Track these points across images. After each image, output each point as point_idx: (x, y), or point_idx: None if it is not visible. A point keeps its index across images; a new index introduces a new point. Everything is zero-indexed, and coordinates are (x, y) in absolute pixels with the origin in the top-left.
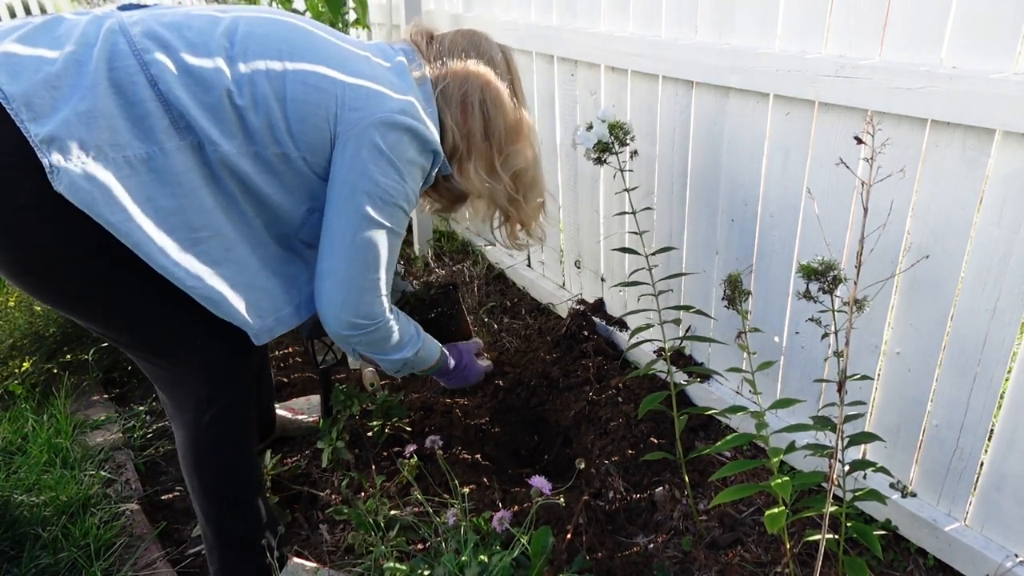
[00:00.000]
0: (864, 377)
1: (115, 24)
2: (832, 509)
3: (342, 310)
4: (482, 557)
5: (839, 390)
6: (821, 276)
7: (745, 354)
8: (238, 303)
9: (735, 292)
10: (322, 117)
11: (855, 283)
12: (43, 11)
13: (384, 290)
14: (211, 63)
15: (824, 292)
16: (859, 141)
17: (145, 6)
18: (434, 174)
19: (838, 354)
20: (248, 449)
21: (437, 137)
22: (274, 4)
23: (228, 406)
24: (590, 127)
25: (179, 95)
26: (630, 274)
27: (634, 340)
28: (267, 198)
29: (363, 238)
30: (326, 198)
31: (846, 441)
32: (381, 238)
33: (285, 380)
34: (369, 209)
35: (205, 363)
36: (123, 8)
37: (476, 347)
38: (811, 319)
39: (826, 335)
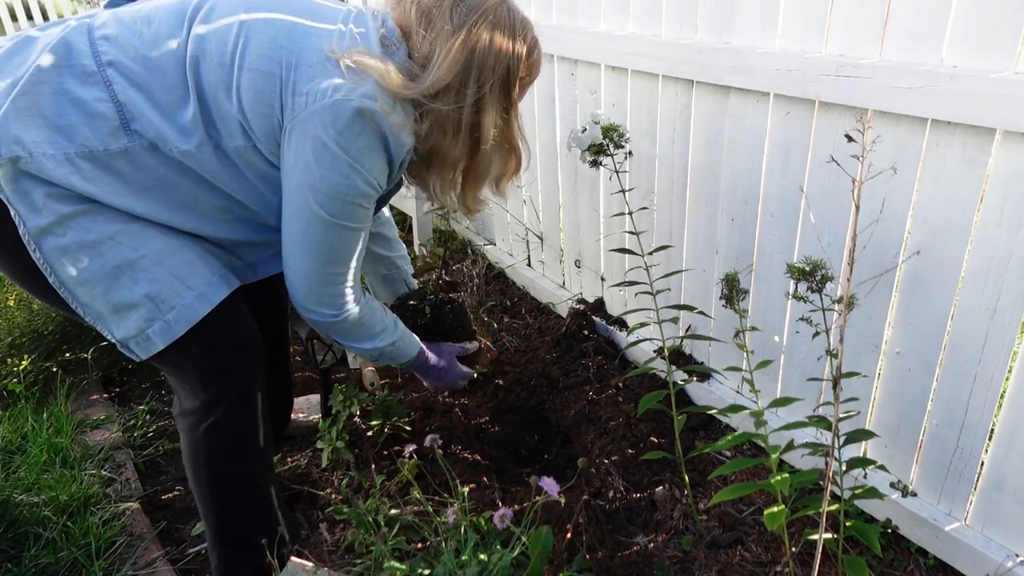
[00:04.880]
0: (855, 374)
1: (83, 27)
2: (832, 507)
3: (305, 300)
4: (482, 556)
5: (834, 388)
6: (809, 276)
7: (744, 353)
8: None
9: (732, 291)
10: (267, 104)
11: (848, 280)
12: (44, 13)
13: (348, 282)
14: (167, 61)
15: (812, 291)
16: (849, 139)
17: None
18: (408, 144)
19: (831, 352)
20: (249, 453)
21: (399, 120)
22: None
23: (225, 416)
24: (584, 129)
25: (133, 96)
26: (629, 273)
27: (634, 339)
28: (234, 192)
29: (313, 234)
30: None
31: (842, 439)
32: (333, 234)
33: None
34: (315, 206)
35: (200, 371)
36: (109, 6)
37: (462, 351)
38: (802, 319)
39: (817, 334)
